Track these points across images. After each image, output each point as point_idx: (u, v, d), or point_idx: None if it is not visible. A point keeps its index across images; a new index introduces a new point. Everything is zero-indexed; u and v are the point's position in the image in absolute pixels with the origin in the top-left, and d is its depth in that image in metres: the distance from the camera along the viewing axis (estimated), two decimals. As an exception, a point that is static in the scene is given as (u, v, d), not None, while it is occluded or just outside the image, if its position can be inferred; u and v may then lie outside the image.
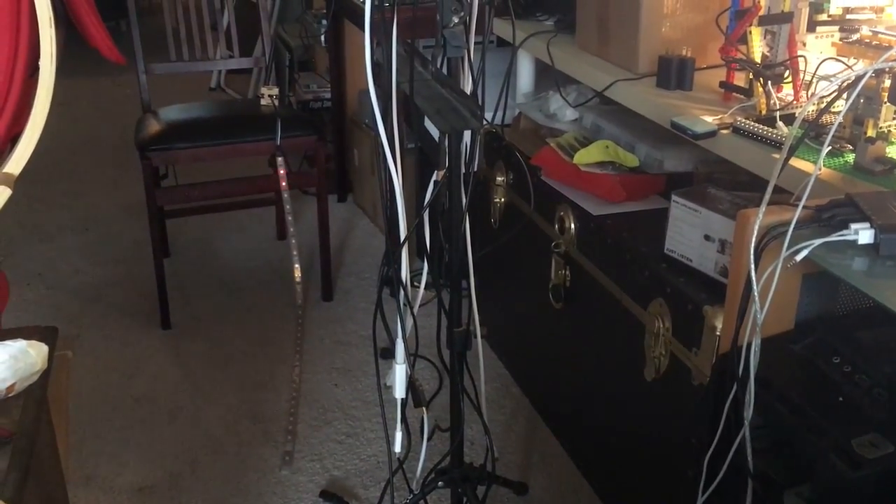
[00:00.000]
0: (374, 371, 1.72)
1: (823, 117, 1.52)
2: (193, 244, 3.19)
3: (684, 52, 1.85)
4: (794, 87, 1.66)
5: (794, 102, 1.65)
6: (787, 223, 1.16)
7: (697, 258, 1.56)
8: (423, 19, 1.52)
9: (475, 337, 1.68)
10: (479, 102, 1.50)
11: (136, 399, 2.36)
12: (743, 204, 1.47)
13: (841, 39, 1.63)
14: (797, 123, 1.33)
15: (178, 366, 2.50)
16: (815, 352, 1.28)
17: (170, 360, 2.54)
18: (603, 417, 1.94)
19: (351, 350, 2.57)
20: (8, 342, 1.18)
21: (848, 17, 1.72)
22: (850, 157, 1.47)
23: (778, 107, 1.63)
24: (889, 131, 1.43)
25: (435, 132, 1.50)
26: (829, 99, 1.37)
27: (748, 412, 1.22)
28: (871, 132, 1.43)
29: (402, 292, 1.57)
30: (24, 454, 1.10)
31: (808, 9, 1.70)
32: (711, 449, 1.33)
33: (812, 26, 1.74)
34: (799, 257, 1.14)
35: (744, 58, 1.66)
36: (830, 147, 1.47)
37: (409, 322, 1.61)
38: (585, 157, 1.96)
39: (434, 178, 1.55)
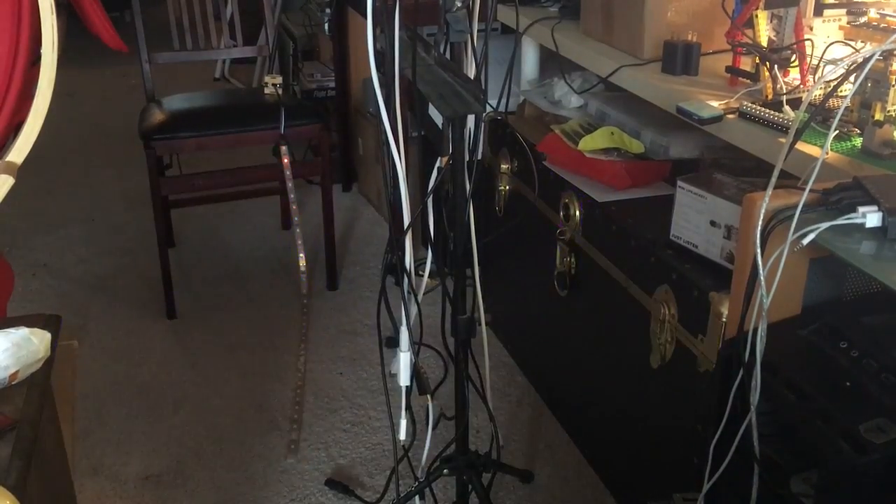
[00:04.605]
0: (379, 359, 1.72)
1: (830, 101, 1.50)
2: (198, 234, 3.19)
3: (690, 37, 1.83)
4: (801, 71, 1.65)
5: (801, 86, 1.64)
6: (794, 206, 1.15)
7: (703, 244, 1.55)
8: (426, 6, 1.51)
9: (479, 325, 1.68)
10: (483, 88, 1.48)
11: (141, 388, 2.37)
12: (749, 189, 1.46)
13: (848, 22, 1.62)
14: (804, 107, 1.31)
15: (184, 355, 2.51)
16: (822, 336, 1.27)
17: (175, 349, 2.54)
18: (608, 405, 1.93)
19: (356, 339, 2.57)
20: (10, 330, 1.18)
21: (855, -1, 1.70)
22: (858, 141, 1.45)
23: (784, 91, 1.62)
24: (897, 115, 1.42)
25: (439, 119, 1.49)
26: (835, 82, 1.36)
27: (754, 398, 1.21)
28: (878, 115, 1.41)
29: (406, 280, 1.57)
30: (27, 442, 1.10)
31: (814, -8, 1.69)
32: (717, 435, 1.32)
33: (819, 9, 1.72)
34: (806, 241, 1.13)
35: (750, 42, 1.65)
36: (837, 131, 1.46)
37: (414, 310, 1.60)
38: (590, 143, 1.95)
39: (438, 164, 1.54)
